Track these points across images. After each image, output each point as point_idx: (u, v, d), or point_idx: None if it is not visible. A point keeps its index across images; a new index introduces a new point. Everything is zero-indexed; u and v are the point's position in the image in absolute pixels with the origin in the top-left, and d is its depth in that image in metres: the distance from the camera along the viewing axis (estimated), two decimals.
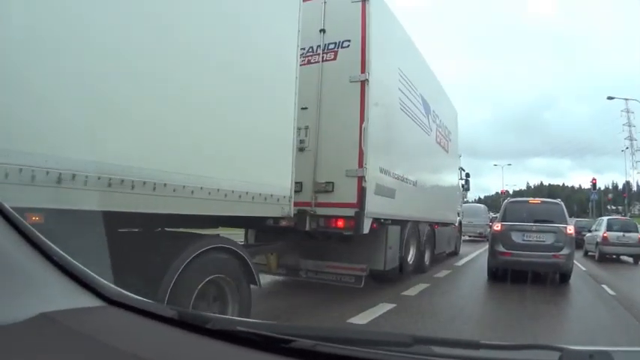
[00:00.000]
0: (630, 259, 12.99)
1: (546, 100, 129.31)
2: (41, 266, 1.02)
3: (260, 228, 5.00)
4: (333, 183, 5.33)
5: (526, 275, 7.02)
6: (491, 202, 59.74)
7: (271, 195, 3.79)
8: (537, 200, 9.28)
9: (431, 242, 8.86)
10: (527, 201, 9.27)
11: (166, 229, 3.29)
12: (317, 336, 1.05)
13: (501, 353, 1.22)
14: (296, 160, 4.59)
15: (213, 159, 3.02)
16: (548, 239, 7.99)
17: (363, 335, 1.61)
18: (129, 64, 2.41)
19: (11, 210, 0.99)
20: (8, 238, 0.97)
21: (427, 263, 8.55)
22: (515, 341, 1.76)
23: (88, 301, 1.08)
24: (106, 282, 1.14)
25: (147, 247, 2.86)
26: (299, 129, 4.94)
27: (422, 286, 6.80)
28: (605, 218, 15.03)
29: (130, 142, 2.43)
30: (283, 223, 4.11)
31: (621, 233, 13.32)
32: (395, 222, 6.23)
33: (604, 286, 7.66)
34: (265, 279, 6.06)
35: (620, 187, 61.44)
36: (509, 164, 69.12)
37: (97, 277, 1.12)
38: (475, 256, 12.81)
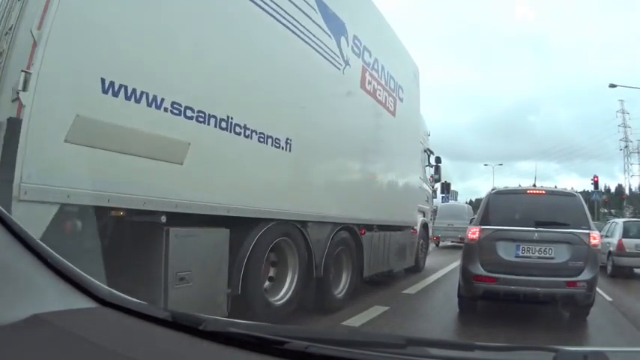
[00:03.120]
0: None
1: (532, 103, 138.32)
2: (34, 267, 1.09)
3: None
4: None
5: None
6: (480, 203, 56.31)
7: None
8: (540, 190, 6.42)
9: (350, 259, 6.26)
10: (525, 191, 6.42)
11: None
12: (310, 337, 1.14)
13: (496, 354, 1.28)
14: None
15: None
16: (560, 254, 5.25)
17: (356, 337, 1.73)
18: None
19: (4, 211, 1.08)
20: (1, 239, 1.06)
21: (341, 296, 6.01)
22: (510, 343, 1.87)
23: (81, 302, 1.16)
24: (99, 283, 1.23)
25: None
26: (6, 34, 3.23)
27: None
28: (620, 221, 13.43)
29: None
30: None
31: None
32: (203, 220, 3.74)
33: None
34: None
35: (613, 190, 67.64)
36: (501, 164, 66.26)
37: (90, 278, 1.21)
38: (447, 274, 10.29)
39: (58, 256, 1.14)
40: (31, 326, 1.00)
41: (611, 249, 11.89)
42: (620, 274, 11.47)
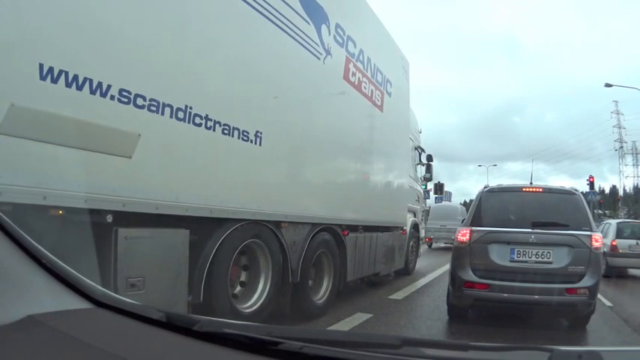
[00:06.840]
0: None
1: (520, 105, 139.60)
2: (28, 268, 1.11)
3: None
4: None
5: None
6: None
7: None
8: (537, 188, 5.98)
9: (331, 262, 5.88)
10: (520, 189, 5.93)
11: None
12: (304, 338, 1.17)
13: (491, 354, 1.28)
14: None
15: None
16: (559, 259, 4.82)
17: (351, 337, 1.74)
18: None
19: None
20: None
21: (321, 302, 5.64)
22: (505, 343, 1.68)
23: (76, 303, 1.18)
24: (93, 284, 1.25)
25: None
26: None
27: None
28: (613, 222, 13.62)
29: None
30: None
31: (634, 241, 11.85)
32: (160, 220, 3.38)
33: None
34: None
35: (607, 191, 70.08)
36: (495, 165, 65.15)
37: (84, 279, 1.22)
38: (438, 277, 9.87)
39: (53, 257, 1.16)
40: (25, 327, 1.02)
41: (605, 250, 11.83)
42: (614, 274, 11.40)
